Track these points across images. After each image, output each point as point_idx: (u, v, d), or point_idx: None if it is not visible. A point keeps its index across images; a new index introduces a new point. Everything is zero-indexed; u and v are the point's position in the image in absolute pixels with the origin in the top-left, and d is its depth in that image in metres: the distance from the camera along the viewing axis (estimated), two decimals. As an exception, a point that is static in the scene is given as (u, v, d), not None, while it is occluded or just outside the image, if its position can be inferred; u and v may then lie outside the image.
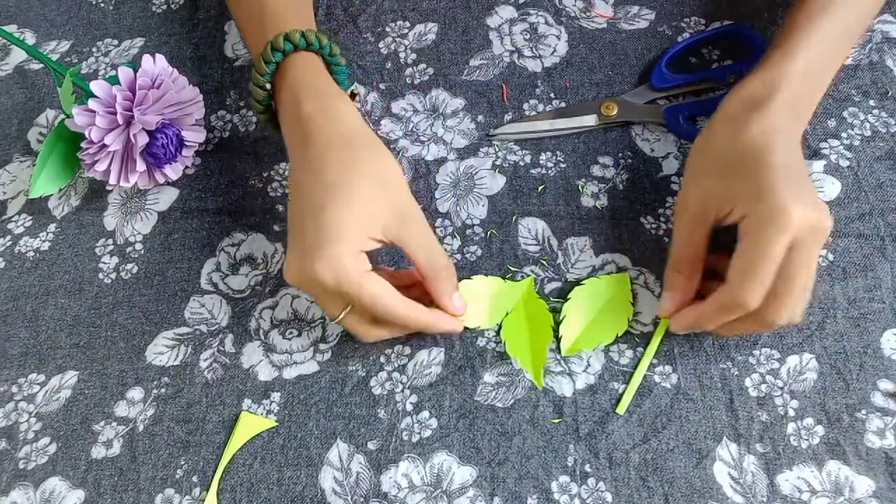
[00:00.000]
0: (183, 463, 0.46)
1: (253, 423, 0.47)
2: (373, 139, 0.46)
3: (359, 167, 0.44)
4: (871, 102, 0.55)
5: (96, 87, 0.50)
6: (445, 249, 0.51)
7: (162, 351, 0.50)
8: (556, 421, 0.46)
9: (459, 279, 0.50)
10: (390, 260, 0.52)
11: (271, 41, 0.47)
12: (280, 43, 0.47)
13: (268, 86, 0.49)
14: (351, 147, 0.45)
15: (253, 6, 0.52)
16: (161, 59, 0.52)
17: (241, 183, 0.56)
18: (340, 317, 0.44)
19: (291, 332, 0.50)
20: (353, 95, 0.58)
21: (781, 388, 0.46)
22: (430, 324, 0.45)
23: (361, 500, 0.44)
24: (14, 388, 0.49)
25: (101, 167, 0.51)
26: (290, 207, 0.46)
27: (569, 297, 0.49)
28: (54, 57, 0.62)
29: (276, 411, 0.47)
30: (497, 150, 0.55)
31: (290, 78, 0.48)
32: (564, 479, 0.44)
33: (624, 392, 0.46)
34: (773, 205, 0.40)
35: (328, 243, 0.42)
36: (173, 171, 0.54)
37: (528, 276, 0.50)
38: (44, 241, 0.54)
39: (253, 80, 0.49)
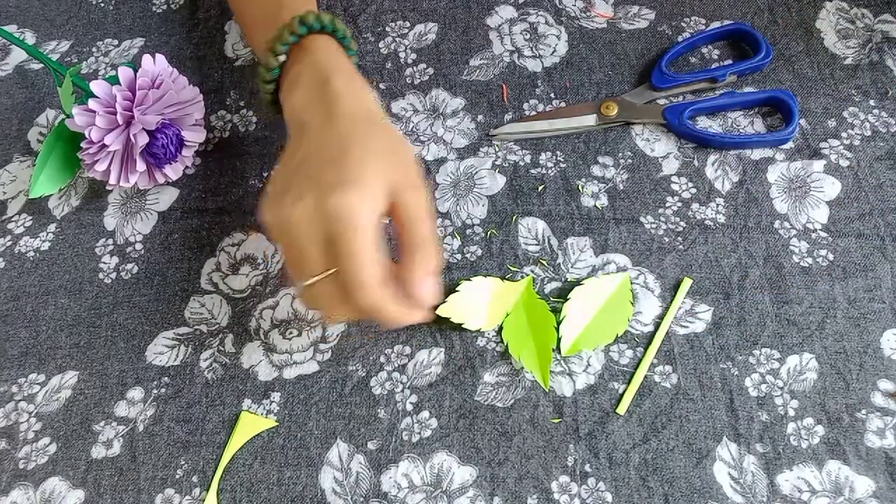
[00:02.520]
0: (183, 463, 0.46)
1: (253, 423, 0.47)
2: (390, 122, 0.46)
3: (379, 138, 0.43)
4: (871, 102, 0.55)
5: (96, 87, 0.50)
6: (445, 249, 0.51)
7: (162, 351, 0.50)
8: (556, 421, 0.46)
9: (459, 279, 0.50)
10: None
11: (290, 22, 0.46)
12: (295, 26, 0.46)
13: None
14: (374, 123, 0.44)
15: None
16: (161, 59, 0.52)
17: (241, 183, 0.56)
18: (314, 279, 0.40)
19: (291, 332, 0.50)
20: None
21: (781, 388, 0.46)
22: (396, 317, 0.41)
23: (361, 500, 0.44)
24: (14, 388, 0.49)
25: (101, 167, 0.51)
26: (309, 148, 0.43)
27: (569, 297, 0.49)
28: (54, 57, 0.62)
29: (276, 411, 0.47)
30: (497, 150, 0.55)
31: (311, 58, 0.46)
32: (564, 479, 0.44)
33: (624, 392, 0.46)
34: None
35: (351, 182, 0.39)
36: (173, 171, 0.54)
37: (528, 276, 0.50)
38: (44, 241, 0.54)
39: (265, 59, 0.47)
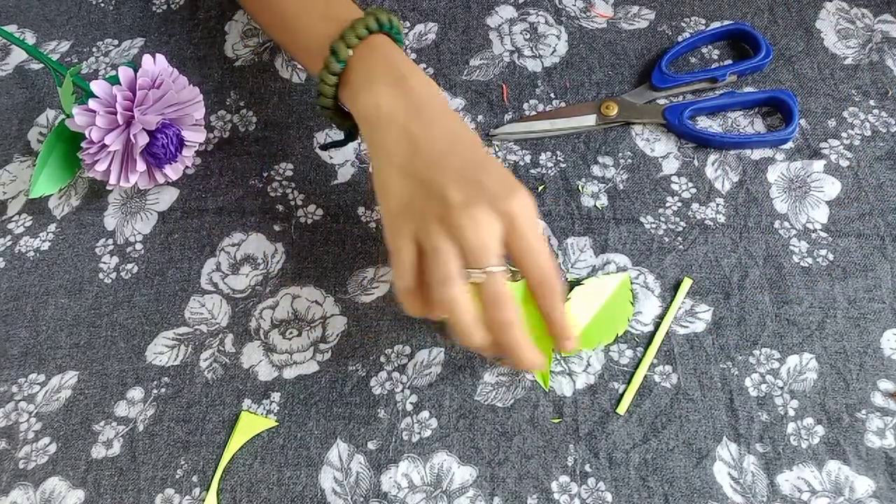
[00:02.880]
0: (183, 463, 0.46)
1: (253, 423, 0.47)
2: None
3: (473, 136, 0.45)
4: (871, 102, 0.55)
5: (96, 87, 0.50)
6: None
7: (162, 351, 0.50)
8: (556, 421, 0.46)
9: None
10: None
11: (359, 20, 0.45)
12: (364, 25, 0.45)
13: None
14: (460, 120, 0.45)
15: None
16: (161, 59, 0.52)
17: (241, 183, 0.56)
18: (496, 269, 0.40)
19: (291, 332, 0.50)
20: None
21: (781, 388, 0.46)
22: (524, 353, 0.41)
23: (361, 500, 0.44)
24: (14, 388, 0.49)
25: (101, 167, 0.51)
26: (436, 152, 0.42)
27: (569, 297, 0.49)
28: (54, 57, 0.62)
29: (276, 411, 0.47)
30: (497, 150, 0.55)
31: (380, 56, 0.45)
32: (564, 479, 0.44)
33: (624, 392, 0.46)
34: None
35: (518, 187, 0.41)
36: (173, 171, 0.54)
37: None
38: (44, 241, 0.54)
39: (327, 65, 0.45)
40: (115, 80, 0.50)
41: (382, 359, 0.49)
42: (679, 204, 0.52)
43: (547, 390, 0.47)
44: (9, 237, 0.55)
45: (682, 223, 0.52)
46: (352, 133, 0.50)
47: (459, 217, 0.39)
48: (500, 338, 0.41)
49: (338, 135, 0.57)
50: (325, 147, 0.54)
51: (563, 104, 0.57)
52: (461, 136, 0.43)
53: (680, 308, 0.49)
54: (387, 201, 0.43)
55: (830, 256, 0.50)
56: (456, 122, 0.44)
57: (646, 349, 0.48)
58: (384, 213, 0.44)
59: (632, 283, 0.50)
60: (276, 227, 0.54)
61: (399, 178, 0.42)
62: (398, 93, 0.44)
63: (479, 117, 0.57)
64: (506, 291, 0.40)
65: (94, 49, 0.63)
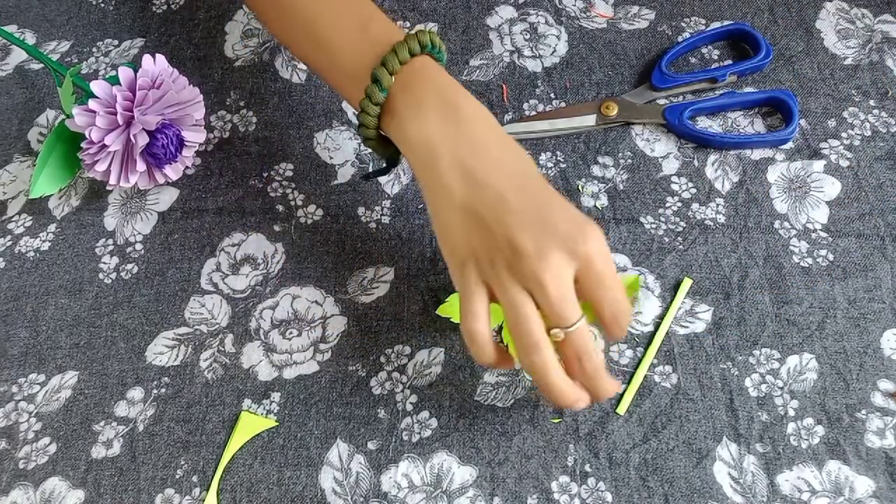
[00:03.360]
0: (183, 463, 0.46)
1: (253, 423, 0.47)
2: None
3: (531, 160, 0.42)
4: (871, 102, 0.55)
5: (96, 87, 0.50)
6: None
7: (162, 351, 0.50)
8: (556, 421, 0.46)
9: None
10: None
11: (395, 47, 0.42)
12: (403, 53, 0.42)
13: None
14: (516, 146, 0.42)
15: (346, 16, 0.46)
16: (161, 59, 0.52)
17: (241, 183, 0.56)
18: (577, 325, 0.39)
19: (291, 332, 0.50)
20: None
21: (781, 388, 0.46)
22: (577, 398, 0.40)
23: (361, 500, 0.44)
24: (14, 388, 0.49)
25: (101, 167, 0.51)
26: (492, 187, 0.40)
27: None
28: (54, 57, 0.62)
29: (276, 411, 0.47)
30: (497, 150, 0.55)
31: (428, 81, 0.42)
32: (564, 479, 0.44)
33: (624, 392, 0.46)
34: None
35: (589, 224, 0.39)
36: (173, 171, 0.54)
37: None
38: (44, 241, 0.54)
39: (369, 95, 0.42)
40: (115, 81, 0.50)
41: (382, 359, 0.49)
42: (679, 204, 0.52)
43: (547, 390, 0.47)
44: (9, 237, 0.55)
45: (682, 223, 0.52)
46: (394, 159, 0.47)
47: (535, 269, 0.37)
48: (589, 384, 0.40)
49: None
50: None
51: (563, 104, 0.57)
52: (524, 171, 0.41)
53: (680, 308, 0.49)
54: (450, 243, 0.41)
55: (830, 256, 0.50)
56: (516, 155, 0.41)
57: (646, 349, 0.48)
58: (448, 255, 0.41)
59: (640, 285, 0.50)
60: (276, 227, 0.54)
61: (462, 218, 0.40)
62: (450, 123, 0.41)
63: (479, 117, 0.57)
64: (589, 342, 0.39)
65: (94, 49, 0.63)
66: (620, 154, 0.55)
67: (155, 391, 0.49)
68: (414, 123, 0.42)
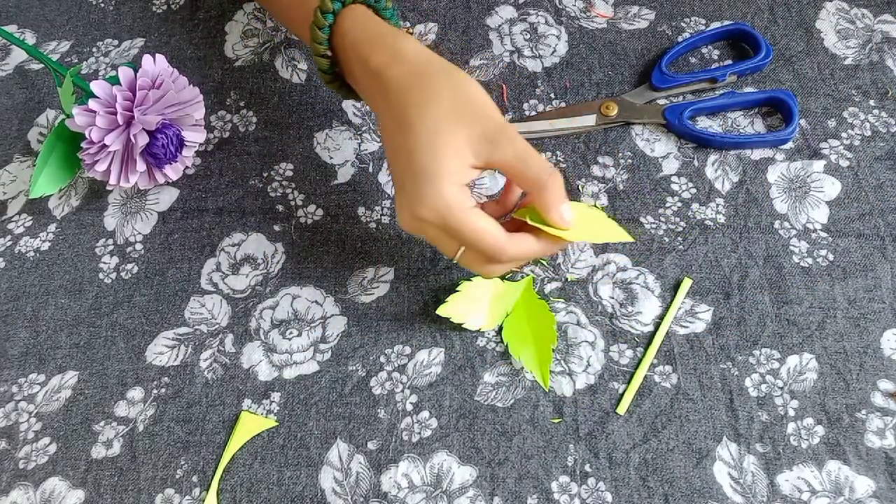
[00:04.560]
0: (183, 463, 0.46)
1: (253, 423, 0.47)
2: (444, 65, 0.44)
3: (437, 100, 0.42)
4: (871, 102, 0.55)
5: (96, 87, 0.50)
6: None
7: (162, 351, 0.50)
8: (556, 421, 0.46)
9: (460, 279, 0.50)
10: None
11: (319, 5, 0.45)
12: (327, 4, 0.45)
13: (329, 53, 0.48)
14: (425, 82, 0.43)
15: None
16: (161, 59, 0.52)
17: (241, 183, 0.56)
18: (457, 256, 0.43)
19: (291, 332, 0.50)
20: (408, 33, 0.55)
21: (781, 388, 0.46)
22: (540, 254, 0.44)
23: (361, 500, 0.44)
24: (14, 388, 0.49)
25: (101, 167, 0.51)
26: (388, 160, 0.46)
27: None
28: (54, 57, 0.62)
29: (276, 411, 0.47)
30: (497, 150, 0.55)
31: (349, 38, 0.46)
32: (564, 479, 0.44)
33: (624, 392, 0.46)
34: None
35: (425, 185, 0.41)
36: (173, 171, 0.54)
37: (528, 276, 0.50)
38: (44, 241, 0.54)
39: (313, 51, 0.47)
40: (115, 81, 0.50)
41: (382, 359, 0.49)
42: (679, 204, 0.52)
43: (547, 390, 0.47)
44: (9, 237, 0.55)
45: (682, 223, 0.52)
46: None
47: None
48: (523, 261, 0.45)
49: None
50: None
51: (563, 104, 0.57)
52: (412, 130, 0.43)
53: (680, 308, 0.49)
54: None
55: (830, 256, 0.50)
56: (422, 102, 0.43)
57: (646, 349, 0.48)
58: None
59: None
60: (276, 227, 0.54)
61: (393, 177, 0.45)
62: (368, 84, 0.45)
63: (479, 117, 0.57)
64: (485, 248, 0.42)
65: (94, 49, 0.63)
66: (620, 154, 0.55)
67: (155, 391, 0.49)
68: (353, 84, 0.48)
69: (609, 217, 0.46)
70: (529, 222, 0.43)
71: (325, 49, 0.47)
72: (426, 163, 0.41)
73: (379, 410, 0.47)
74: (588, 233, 0.45)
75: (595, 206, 0.48)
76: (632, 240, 0.47)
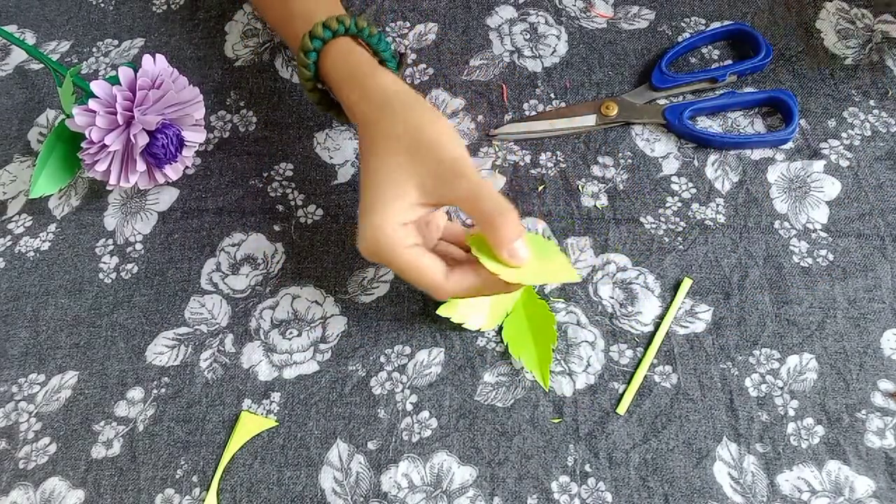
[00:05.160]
0: (183, 463, 0.46)
1: (253, 423, 0.47)
2: (406, 100, 0.44)
3: (390, 139, 0.43)
4: (871, 102, 0.55)
5: (96, 87, 0.50)
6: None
7: (162, 351, 0.50)
8: (556, 421, 0.46)
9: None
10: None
11: (301, 44, 0.48)
12: (308, 43, 0.47)
13: (320, 86, 0.50)
14: (384, 120, 0.44)
15: (279, 9, 0.53)
16: (161, 59, 0.52)
17: (241, 183, 0.56)
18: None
19: (291, 332, 0.50)
20: (401, 56, 0.56)
21: (781, 388, 0.46)
22: (483, 291, 0.43)
23: (361, 500, 0.44)
24: (14, 388, 0.49)
25: (101, 167, 0.51)
26: None
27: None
28: (54, 57, 0.62)
29: (276, 411, 0.47)
30: (497, 150, 0.55)
31: (330, 75, 0.48)
32: (564, 479, 0.44)
33: (624, 392, 0.46)
34: None
35: (366, 222, 0.42)
36: (173, 171, 0.54)
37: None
38: (44, 241, 0.54)
39: (303, 87, 0.50)
40: (115, 81, 0.50)
41: (382, 359, 0.49)
42: (679, 204, 0.52)
43: (547, 390, 0.47)
44: (9, 237, 0.55)
45: (682, 223, 0.52)
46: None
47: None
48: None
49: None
50: None
51: (563, 104, 0.57)
52: (367, 166, 0.44)
53: (680, 308, 0.49)
54: None
55: (830, 256, 0.50)
56: (383, 138, 0.44)
57: (646, 349, 0.48)
58: None
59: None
60: (276, 227, 0.54)
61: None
62: (352, 115, 0.47)
63: (479, 117, 0.57)
64: (421, 286, 0.42)
65: (94, 49, 0.63)
66: (620, 154, 0.55)
67: (155, 391, 0.49)
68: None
69: (561, 251, 0.45)
70: (474, 253, 0.42)
71: (314, 84, 0.50)
72: (370, 201, 0.42)
73: (379, 410, 0.47)
74: (531, 275, 0.42)
75: (549, 239, 0.46)
76: (578, 279, 0.44)
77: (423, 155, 0.42)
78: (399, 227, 0.41)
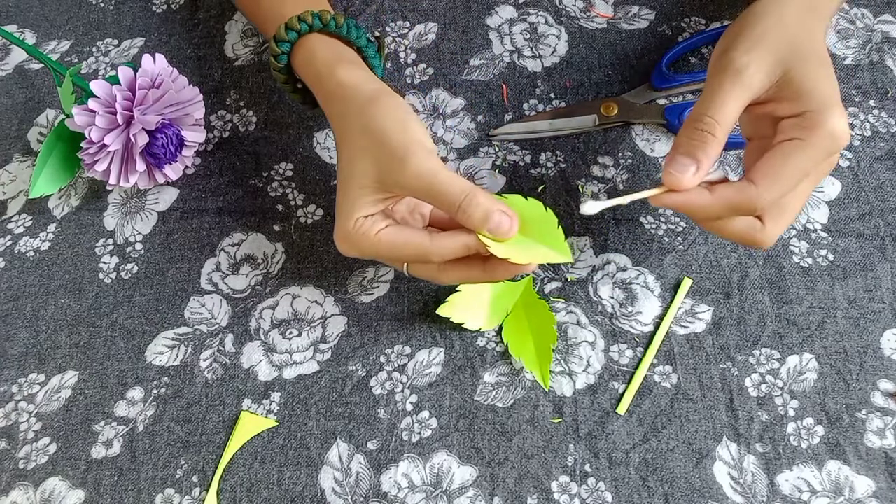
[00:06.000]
0: (183, 463, 0.46)
1: (253, 423, 0.47)
2: (363, 96, 0.44)
3: (350, 136, 0.43)
4: (871, 102, 0.55)
5: (96, 86, 0.50)
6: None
7: (162, 351, 0.50)
8: (556, 421, 0.46)
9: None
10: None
11: (270, 45, 0.49)
12: (275, 48, 0.48)
13: (300, 85, 0.52)
14: (345, 118, 0.44)
15: (254, 12, 0.54)
16: (161, 58, 0.52)
17: (241, 183, 0.56)
18: (405, 270, 0.44)
19: (291, 332, 0.50)
20: (379, 41, 0.55)
21: (781, 388, 0.46)
22: (473, 247, 0.40)
23: (361, 500, 0.44)
24: (14, 388, 0.49)
25: (101, 167, 0.51)
26: None
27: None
28: (54, 57, 0.62)
29: (276, 411, 0.47)
30: (497, 150, 0.55)
31: (301, 73, 0.49)
32: (564, 479, 0.44)
33: (624, 392, 0.46)
34: (836, 126, 0.38)
35: (337, 223, 0.43)
36: (173, 171, 0.54)
37: (528, 276, 0.50)
38: (44, 241, 0.54)
39: (276, 81, 0.51)
40: (115, 80, 0.50)
41: (382, 359, 0.49)
42: (679, 204, 0.52)
43: (547, 390, 0.47)
44: (9, 237, 0.55)
45: (682, 223, 0.52)
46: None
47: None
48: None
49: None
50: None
51: (563, 104, 0.57)
52: (340, 164, 0.44)
53: (680, 308, 0.49)
54: None
55: (830, 256, 0.50)
56: (350, 136, 0.44)
57: (646, 349, 0.48)
58: None
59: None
60: (276, 227, 0.54)
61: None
62: (325, 112, 0.48)
63: (479, 117, 0.57)
64: (411, 258, 0.42)
65: (94, 49, 0.63)
66: (620, 154, 0.55)
67: (155, 391, 0.49)
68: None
69: (559, 226, 0.41)
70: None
71: (294, 86, 0.51)
72: (339, 201, 0.43)
73: (379, 410, 0.47)
74: (521, 251, 0.40)
75: (547, 210, 0.42)
76: (570, 260, 0.41)
77: (373, 150, 0.42)
78: (363, 220, 0.42)
